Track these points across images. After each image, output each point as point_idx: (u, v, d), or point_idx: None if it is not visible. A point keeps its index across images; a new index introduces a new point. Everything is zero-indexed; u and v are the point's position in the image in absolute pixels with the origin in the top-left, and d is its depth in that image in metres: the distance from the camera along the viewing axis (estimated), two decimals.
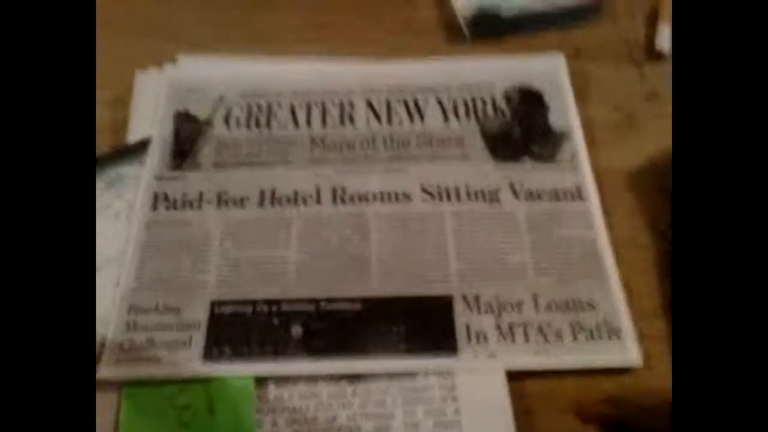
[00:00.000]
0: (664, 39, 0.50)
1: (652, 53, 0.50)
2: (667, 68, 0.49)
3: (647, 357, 0.36)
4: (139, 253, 0.39)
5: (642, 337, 0.37)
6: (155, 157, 0.44)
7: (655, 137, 0.45)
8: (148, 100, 0.46)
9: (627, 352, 0.36)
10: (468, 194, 0.42)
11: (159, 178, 0.43)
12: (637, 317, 0.38)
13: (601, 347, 0.36)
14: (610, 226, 0.41)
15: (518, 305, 0.38)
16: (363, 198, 0.42)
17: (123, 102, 0.46)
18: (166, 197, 0.42)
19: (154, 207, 0.41)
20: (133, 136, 0.45)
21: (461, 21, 0.51)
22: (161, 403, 0.34)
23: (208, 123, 0.46)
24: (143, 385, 0.34)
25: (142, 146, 0.44)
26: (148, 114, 0.46)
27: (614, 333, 0.37)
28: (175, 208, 0.42)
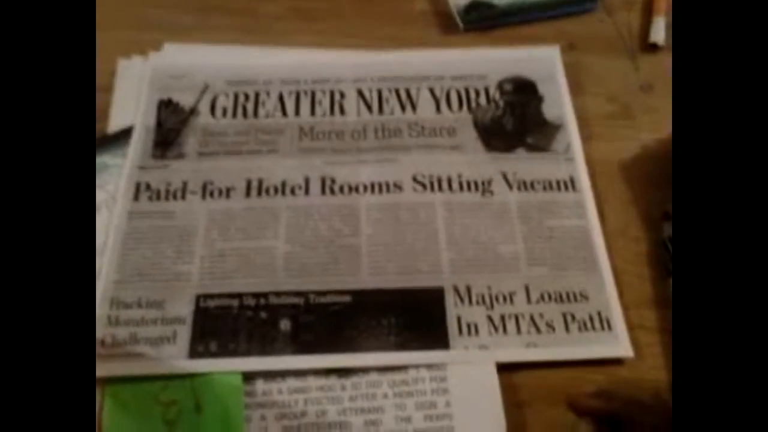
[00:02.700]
0: (658, 31, 0.49)
1: (647, 45, 0.49)
2: (661, 60, 0.49)
3: (638, 347, 0.36)
4: (121, 245, 0.38)
5: (633, 328, 0.37)
6: (138, 146, 0.42)
7: (648, 128, 0.45)
8: (130, 88, 0.45)
9: (618, 343, 0.36)
10: (460, 184, 0.42)
11: (141, 167, 0.42)
12: (628, 308, 0.37)
13: (592, 338, 0.36)
14: (602, 216, 0.41)
15: (510, 296, 0.37)
16: (353, 188, 0.41)
17: (105, 90, 0.45)
18: (148, 187, 0.41)
19: (136, 197, 0.40)
20: (115, 125, 0.43)
21: (454, 10, 0.50)
22: (145, 400, 0.33)
23: (193, 111, 0.44)
24: (126, 382, 0.33)
25: (125, 135, 0.43)
26: (131, 102, 0.44)
27: (606, 324, 0.37)
28: (158, 198, 0.40)
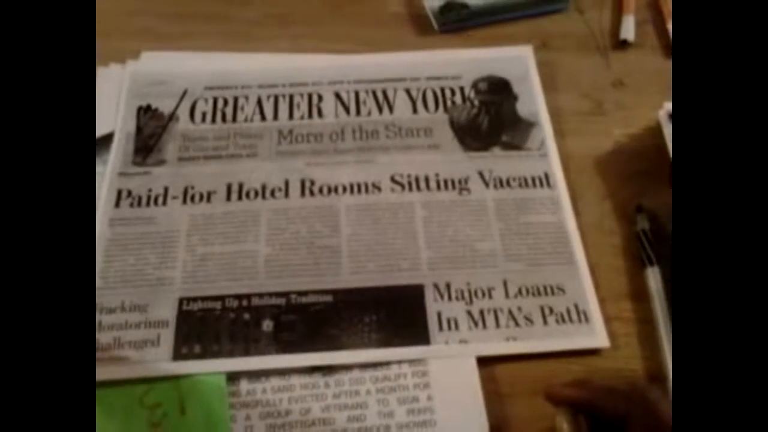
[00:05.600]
0: (628, 28, 0.51)
1: (618, 42, 0.51)
2: (631, 56, 0.50)
3: (614, 338, 0.37)
4: (103, 252, 0.39)
5: (609, 319, 0.38)
6: (118, 153, 0.43)
7: (620, 123, 0.46)
8: (109, 96, 0.45)
9: (595, 334, 0.37)
10: (438, 183, 0.42)
11: (122, 174, 0.42)
12: (604, 300, 0.38)
13: (570, 330, 0.37)
14: (577, 211, 0.42)
15: (489, 291, 0.38)
16: (332, 190, 0.42)
17: None
18: (129, 193, 0.41)
19: (117, 204, 0.41)
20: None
21: (429, 12, 0.51)
22: (129, 403, 0.33)
23: (173, 117, 0.45)
24: (110, 386, 0.34)
25: (105, 142, 0.43)
26: (110, 110, 0.45)
27: (583, 316, 0.37)
28: (139, 204, 0.41)
